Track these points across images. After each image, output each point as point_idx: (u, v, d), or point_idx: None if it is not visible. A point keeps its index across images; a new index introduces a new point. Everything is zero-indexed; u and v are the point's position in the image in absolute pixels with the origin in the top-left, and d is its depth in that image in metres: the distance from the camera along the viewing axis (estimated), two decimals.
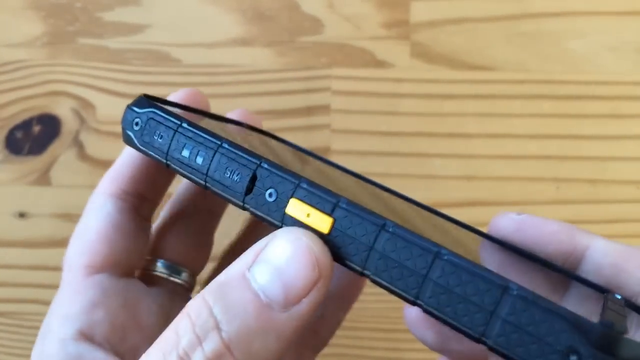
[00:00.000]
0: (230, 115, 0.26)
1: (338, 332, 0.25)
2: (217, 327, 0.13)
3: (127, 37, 0.34)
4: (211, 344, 0.13)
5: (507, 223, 0.18)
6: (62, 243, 0.33)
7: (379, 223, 0.14)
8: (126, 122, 0.18)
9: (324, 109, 0.33)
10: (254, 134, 0.25)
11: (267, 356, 0.13)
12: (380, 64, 0.33)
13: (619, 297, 0.16)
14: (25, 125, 0.34)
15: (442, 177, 0.33)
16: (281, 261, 0.13)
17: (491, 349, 0.13)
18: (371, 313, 0.33)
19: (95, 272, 0.19)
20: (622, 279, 0.16)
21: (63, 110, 0.34)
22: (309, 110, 0.33)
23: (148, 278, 0.22)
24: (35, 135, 0.33)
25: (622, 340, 0.12)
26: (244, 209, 0.16)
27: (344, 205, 0.15)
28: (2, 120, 0.34)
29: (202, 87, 0.34)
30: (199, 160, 0.17)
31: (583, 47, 0.33)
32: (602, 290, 0.17)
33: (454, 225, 0.21)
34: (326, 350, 0.26)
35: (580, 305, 0.17)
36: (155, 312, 0.20)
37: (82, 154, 0.33)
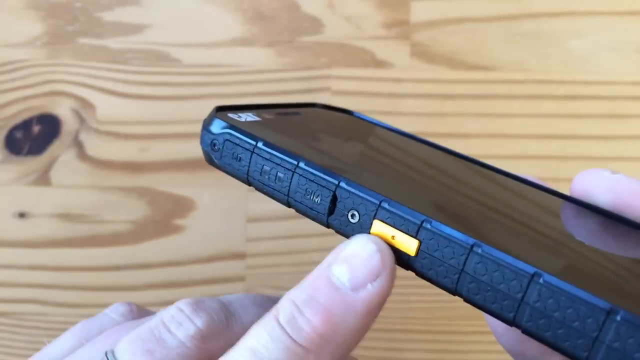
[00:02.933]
0: None
1: None
2: (301, 314, 0.15)
3: (127, 37, 0.34)
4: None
5: (599, 181, 0.17)
6: (62, 243, 0.34)
7: (467, 245, 0.13)
8: (204, 144, 0.18)
9: None
10: (334, 114, 0.24)
11: (348, 333, 0.15)
12: (380, 64, 0.33)
13: None
14: (25, 125, 0.34)
15: None
16: (350, 254, 0.15)
17: None
18: None
19: None
20: None
21: (63, 110, 0.34)
22: None
23: None
24: (35, 135, 0.33)
25: None
26: (328, 227, 0.16)
27: (428, 227, 0.14)
28: (2, 120, 0.34)
29: (202, 87, 0.34)
30: (279, 181, 0.16)
31: (583, 47, 0.33)
32: None
33: (536, 190, 0.19)
34: None
35: None
36: None
37: (82, 154, 0.33)
